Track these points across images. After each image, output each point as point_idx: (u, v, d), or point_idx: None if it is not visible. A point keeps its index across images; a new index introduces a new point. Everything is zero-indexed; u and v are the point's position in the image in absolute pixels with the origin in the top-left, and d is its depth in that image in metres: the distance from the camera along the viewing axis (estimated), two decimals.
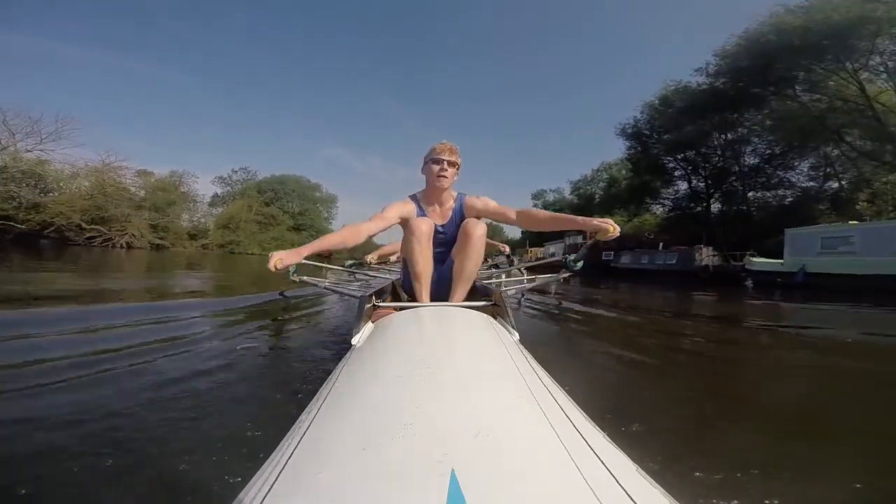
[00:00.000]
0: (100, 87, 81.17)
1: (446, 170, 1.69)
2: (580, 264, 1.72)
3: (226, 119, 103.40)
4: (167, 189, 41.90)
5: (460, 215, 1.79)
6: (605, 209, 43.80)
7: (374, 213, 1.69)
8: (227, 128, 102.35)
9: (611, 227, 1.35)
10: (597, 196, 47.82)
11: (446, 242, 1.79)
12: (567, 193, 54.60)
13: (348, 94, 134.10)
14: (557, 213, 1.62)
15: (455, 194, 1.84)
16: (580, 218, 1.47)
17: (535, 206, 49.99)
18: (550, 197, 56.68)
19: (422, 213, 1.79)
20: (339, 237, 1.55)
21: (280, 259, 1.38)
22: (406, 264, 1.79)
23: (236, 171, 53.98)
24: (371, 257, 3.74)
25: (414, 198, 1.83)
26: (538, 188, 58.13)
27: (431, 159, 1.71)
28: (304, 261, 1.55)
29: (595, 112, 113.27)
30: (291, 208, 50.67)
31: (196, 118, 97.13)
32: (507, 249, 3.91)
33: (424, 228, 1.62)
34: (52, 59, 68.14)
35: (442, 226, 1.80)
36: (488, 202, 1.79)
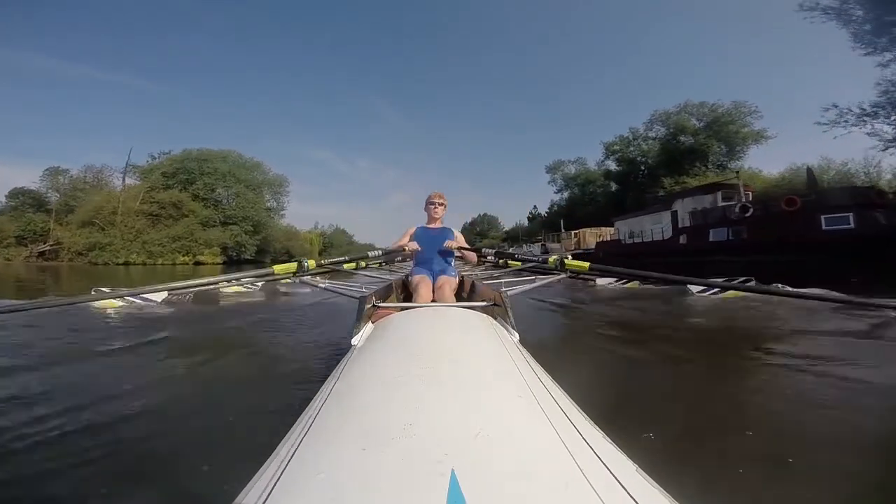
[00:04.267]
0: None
1: (437, 208, 2.63)
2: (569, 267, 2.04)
3: (205, 123, 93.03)
4: (80, 188, 34.52)
5: (447, 231, 2.61)
6: (672, 169, 30.39)
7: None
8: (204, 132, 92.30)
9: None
10: (644, 160, 33.98)
11: (437, 239, 2.52)
12: (594, 164, 40.94)
13: (339, 97, 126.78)
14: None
15: (443, 224, 2.70)
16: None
17: (553, 179, 44.63)
18: (571, 170, 42.95)
19: (423, 228, 2.63)
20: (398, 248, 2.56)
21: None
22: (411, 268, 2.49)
23: (156, 157, 38.37)
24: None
25: (419, 226, 2.65)
26: (555, 158, 44.13)
27: (429, 202, 2.64)
28: (306, 262, 2.07)
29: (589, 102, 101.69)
30: (215, 194, 35.40)
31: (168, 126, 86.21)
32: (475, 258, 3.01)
33: (422, 250, 2.48)
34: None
35: (434, 229, 2.61)
36: (458, 233, 2.65)
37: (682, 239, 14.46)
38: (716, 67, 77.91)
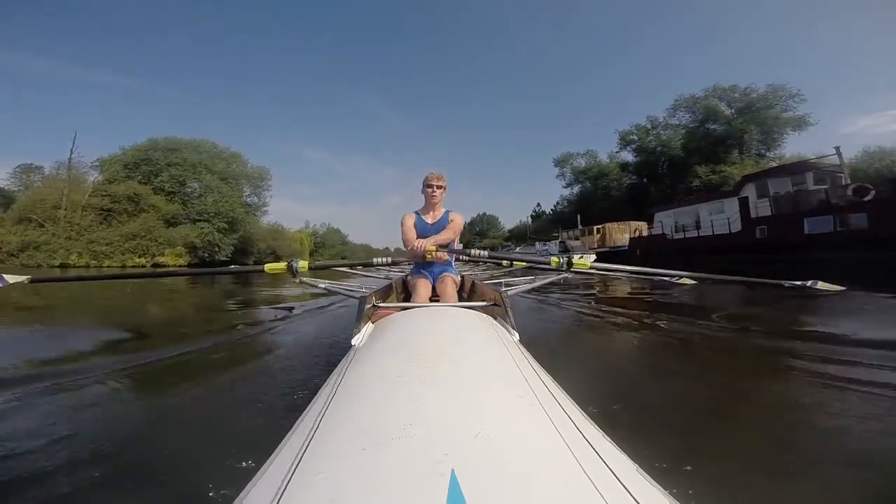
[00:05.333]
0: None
1: (435, 192, 2.31)
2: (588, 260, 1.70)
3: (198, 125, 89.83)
4: (52, 185, 30.04)
5: (445, 220, 2.34)
6: (704, 157, 26.87)
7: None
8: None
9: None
10: (665, 149, 30.41)
11: (436, 233, 2.30)
12: (605, 156, 37.43)
13: (338, 97, 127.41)
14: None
15: (444, 209, 2.40)
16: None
17: (561, 173, 41.48)
18: (581, 162, 39.42)
19: (420, 218, 2.36)
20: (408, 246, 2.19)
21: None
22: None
23: (125, 150, 33.96)
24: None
25: (416, 212, 2.40)
26: (564, 151, 40.57)
27: (426, 185, 2.32)
28: (296, 263, 1.82)
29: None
30: (185, 188, 31.44)
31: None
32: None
33: (419, 245, 2.02)
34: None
35: (432, 224, 2.34)
36: (457, 218, 2.34)
37: (760, 232, 10.83)
38: (711, 64, 74.99)
